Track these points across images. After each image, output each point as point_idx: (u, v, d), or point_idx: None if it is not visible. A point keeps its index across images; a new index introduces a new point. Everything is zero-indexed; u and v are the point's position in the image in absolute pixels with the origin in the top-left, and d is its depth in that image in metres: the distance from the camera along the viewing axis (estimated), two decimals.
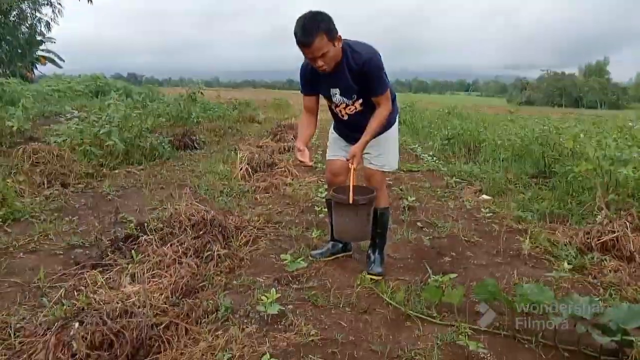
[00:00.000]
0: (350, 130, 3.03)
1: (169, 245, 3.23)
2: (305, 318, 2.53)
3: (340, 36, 2.68)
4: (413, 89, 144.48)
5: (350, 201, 2.89)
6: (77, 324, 2.04)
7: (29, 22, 29.63)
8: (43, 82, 19.26)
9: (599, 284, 3.09)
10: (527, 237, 3.81)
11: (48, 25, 30.39)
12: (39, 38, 31.23)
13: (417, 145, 9.70)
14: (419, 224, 4.36)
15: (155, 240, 3.31)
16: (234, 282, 2.99)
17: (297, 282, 3.00)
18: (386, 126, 3.01)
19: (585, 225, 3.98)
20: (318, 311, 2.63)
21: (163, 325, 2.34)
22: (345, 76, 2.81)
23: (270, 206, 4.85)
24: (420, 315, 2.56)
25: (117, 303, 2.42)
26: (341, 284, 2.99)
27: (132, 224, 3.67)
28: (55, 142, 6.52)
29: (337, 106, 3.00)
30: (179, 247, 3.22)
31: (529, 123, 9.16)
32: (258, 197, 5.23)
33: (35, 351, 1.97)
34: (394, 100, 3.08)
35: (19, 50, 28.94)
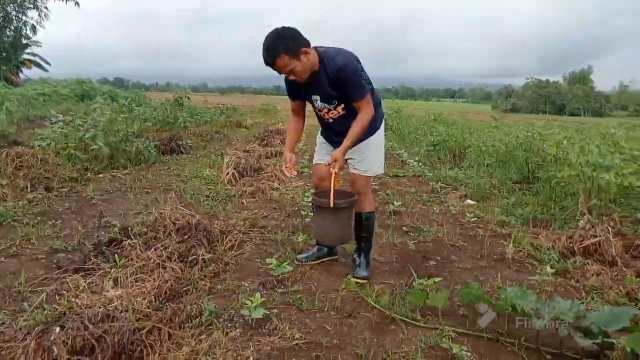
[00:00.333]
0: (335, 134, 3.04)
1: (153, 249, 3.20)
2: (290, 322, 2.52)
3: (306, 50, 2.72)
4: (400, 96, 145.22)
5: (331, 205, 2.93)
6: (57, 329, 2.01)
7: (14, 25, 29.33)
8: (28, 86, 19.04)
9: (581, 287, 3.13)
10: (511, 242, 3.84)
11: (34, 28, 30.13)
12: (24, 41, 30.91)
13: (403, 151, 9.75)
14: (404, 228, 4.38)
15: (139, 244, 3.29)
16: (219, 286, 2.97)
17: (282, 286, 2.99)
18: (370, 131, 3.03)
19: (568, 230, 4.03)
20: (303, 315, 2.62)
21: (146, 330, 2.31)
22: (323, 83, 2.85)
23: (257, 210, 4.84)
24: (405, 319, 2.57)
25: (99, 307, 2.40)
26: (326, 288, 2.99)
27: (116, 228, 3.63)
28: (39, 146, 6.46)
29: (320, 110, 3.05)
30: (163, 252, 3.19)
31: (513, 130, 9.25)
32: (244, 202, 5.21)
33: (15, 356, 1.93)
34: (378, 105, 3.11)
35: (4, 54, 28.62)
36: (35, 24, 29.94)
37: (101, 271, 2.95)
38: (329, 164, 2.96)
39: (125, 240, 3.36)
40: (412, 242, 3.96)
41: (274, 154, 8.52)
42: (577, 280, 3.24)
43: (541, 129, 8.16)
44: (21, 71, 33.02)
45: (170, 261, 3.12)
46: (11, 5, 28.46)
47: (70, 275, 2.90)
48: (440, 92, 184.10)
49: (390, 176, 7.06)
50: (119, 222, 4.09)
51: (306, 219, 4.46)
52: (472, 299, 2.47)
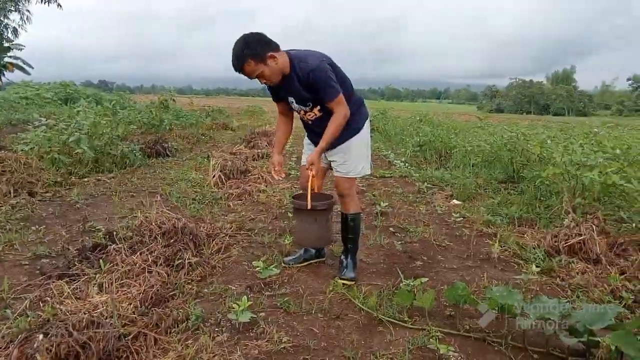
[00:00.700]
0: (316, 136, 3.05)
1: (138, 254, 3.17)
2: (277, 325, 2.51)
3: (272, 55, 2.76)
4: (385, 97, 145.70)
5: (308, 207, 2.95)
6: (41, 336, 1.98)
7: None
8: (10, 90, 18.78)
9: (566, 286, 3.16)
10: (497, 241, 3.87)
11: (15, 31, 29.77)
12: (5, 44, 30.50)
13: (389, 152, 9.78)
14: (391, 229, 4.39)
15: (124, 249, 3.25)
16: (205, 290, 2.95)
17: (269, 289, 2.98)
18: (351, 132, 3.04)
19: (553, 229, 4.07)
20: (290, 318, 2.61)
21: (131, 336, 2.29)
22: (295, 86, 2.88)
23: (243, 213, 4.82)
24: (392, 320, 2.57)
25: (84, 314, 2.37)
26: (314, 290, 2.98)
27: (100, 233, 3.59)
28: (22, 150, 6.37)
29: (298, 112, 3.09)
30: (149, 256, 3.16)
31: (498, 130, 9.34)
32: (231, 204, 5.19)
33: None
34: (361, 105, 3.12)
35: None
36: (17, 27, 29.61)
37: (86, 277, 2.92)
38: (307, 168, 2.98)
39: (110, 245, 3.33)
40: (399, 242, 3.97)
41: (260, 155, 8.49)
42: (562, 278, 3.27)
43: (525, 129, 8.25)
44: (3, 75, 32.58)
45: (156, 265, 3.09)
46: None
47: (54, 282, 2.86)
48: (426, 93, 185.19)
49: (377, 177, 7.08)
50: (103, 226, 4.06)
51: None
52: (458, 299, 2.49)
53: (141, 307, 2.63)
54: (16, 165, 5.79)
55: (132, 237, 3.49)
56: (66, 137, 6.70)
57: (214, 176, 6.22)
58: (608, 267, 3.38)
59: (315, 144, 3.12)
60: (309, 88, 2.84)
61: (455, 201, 5.56)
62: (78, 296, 2.68)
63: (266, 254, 3.59)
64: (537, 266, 3.31)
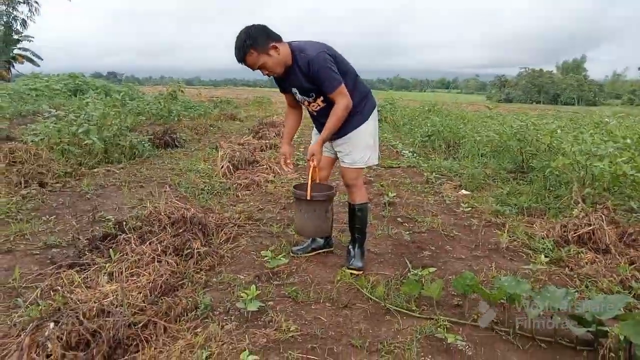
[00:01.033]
0: (322, 126, 3.04)
1: (147, 243, 3.20)
2: (286, 314, 2.52)
3: (274, 45, 2.78)
4: (394, 87, 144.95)
5: (308, 197, 2.97)
6: (52, 324, 2.01)
7: (4, 20, 29.09)
8: (20, 81, 18.88)
9: (575, 275, 3.14)
10: (505, 231, 3.86)
11: (24, 23, 29.91)
12: (15, 37, 30.65)
13: (397, 142, 9.74)
14: (399, 219, 4.38)
15: (134, 238, 3.28)
16: (214, 279, 2.97)
17: (277, 279, 3.00)
18: (357, 123, 3.03)
19: (562, 219, 4.05)
20: (298, 307, 2.63)
21: (141, 324, 2.32)
22: (297, 77, 2.89)
23: (252, 203, 4.83)
24: (400, 309, 2.58)
25: (94, 302, 2.39)
26: (322, 280, 2.99)
27: (110, 223, 3.62)
28: (32, 141, 6.42)
29: (302, 103, 3.10)
30: (158, 246, 3.19)
31: (507, 119, 9.27)
32: (239, 195, 5.20)
33: (9, 353, 1.93)
34: (367, 95, 3.11)
35: None
36: (26, 19, 29.75)
37: (96, 266, 2.94)
38: (308, 159, 3.00)
39: (120, 234, 3.35)
40: (407, 232, 3.97)
41: (268, 146, 8.50)
42: (571, 268, 3.25)
43: (535, 119, 8.18)
44: (13, 66, 32.78)
45: (166, 255, 3.12)
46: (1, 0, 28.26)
47: (64, 271, 2.89)
48: (435, 83, 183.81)
49: (384, 167, 7.06)
50: (113, 216, 4.09)
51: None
52: (466, 289, 2.48)
53: (151, 295, 2.66)
54: (26, 157, 5.84)
55: (142, 227, 3.52)
56: (75, 128, 6.74)
57: (222, 167, 6.24)
58: (617, 257, 3.36)
59: None
60: (310, 79, 2.84)
61: (463, 191, 5.54)
62: (88, 285, 2.71)
63: (274, 244, 3.61)
64: (546, 256, 3.31)
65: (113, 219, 3.87)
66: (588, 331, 2.19)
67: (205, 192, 5.20)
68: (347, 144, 3.08)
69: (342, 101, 2.85)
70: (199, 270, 3.08)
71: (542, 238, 3.77)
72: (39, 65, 34.17)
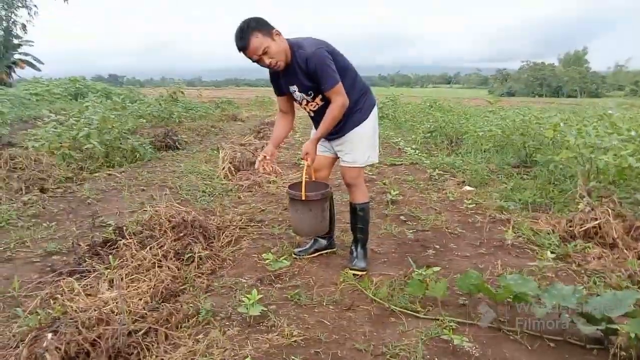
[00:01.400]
0: None
1: (148, 248, 3.16)
2: (288, 318, 2.48)
3: (277, 31, 2.74)
4: (395, 84, 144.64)
5: (303, 197, 2.92)
6: (50, 335, 1.97)
7: (4, 25, 29.12)
8: (21, 86, 18.91)
9: (582, 271, 3.10)
10: (510, 227, 3.81)
11: (24, 27, 29.94)
12: (15, 41, 30.69)
13: (399, 139, 9.68)
14: (402, 217, 4.34)
15: (134, 244, 3.24)
16: (216, 283, 2.93)
17: (280, 282, 2.96)
18: (357, 121, 2.99)
19: (568, 214, 4.00)
20: (301, 310, 2.58)
21: (142, 332, 2.27)
22: (296, 74, 2.84)
23: (254, 204, 4.79)
24: (405, 310, 2.54)
25: (94, 310, 2.36)
26: (325, 281, 2.95)
27: (110, 228, 3.58)
28: (33, 146, 6.39)
29: (300, 103, 3.02)
30: (159, 250, 3.15)
31: (510, 114, 9.20)
32: (241, 196, 5.17)
33: None
34: (367, 93, 3.06)
35: None
36: (26, 23, 29.79)
37: (96, 273, 2.91)
38: (302, 157, 2.95)
39: (120, 240, 3.32)
40: (411, 231, 3.92)
41: None
42: (578, 264, 3.21)
43: (538, 112, 8.11)
44: (14, 71, 32.83)
45: (166, 260, 3.08)
46: (1, 4, 28.32)
47: (64, 278, 2.85)
48: (436, 78, 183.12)
49: (387, 165, 7.01)
50: (114, 221, 4.05)
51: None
52: (471, 288, 2.43)
53: (151, 302, 2.62)
54: (27, 162, 5.81)
55: (142, 231, 3.48)
56: (76, 132, 6.72)
57: (223, 168, 6.21)
58: (625, 251, 3.31)
59: None
60: (309, 76, 2.79)
61: (467, 187, 5.49)
62: (88, 293, 2.67)
63: (276, 246, 3.57)
64: (552, 252, 3.25)
65: (113, 224, 3.83)
66: (598, 329, 2.15)
67: (206, 195, 5.17)
68: (347, 143, 3.04)
69: (339, 100, 2.80)
70: (200, 275, 3.04)
71: (548, 233, 3.72)
72: (40, 70, 34.24)
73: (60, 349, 1.94)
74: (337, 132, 2.99)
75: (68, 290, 2.69)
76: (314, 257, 3.34)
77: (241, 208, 4.64)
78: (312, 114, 3.05)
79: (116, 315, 2.34)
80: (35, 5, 29.21)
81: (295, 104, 3.14)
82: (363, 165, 3.12)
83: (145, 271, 2.92)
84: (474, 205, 4.67)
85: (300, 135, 10.01)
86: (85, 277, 2.90)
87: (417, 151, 8.10)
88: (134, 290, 2.73)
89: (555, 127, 5.64)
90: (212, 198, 5.03)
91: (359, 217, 3.16)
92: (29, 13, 29.28)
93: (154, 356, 2.12)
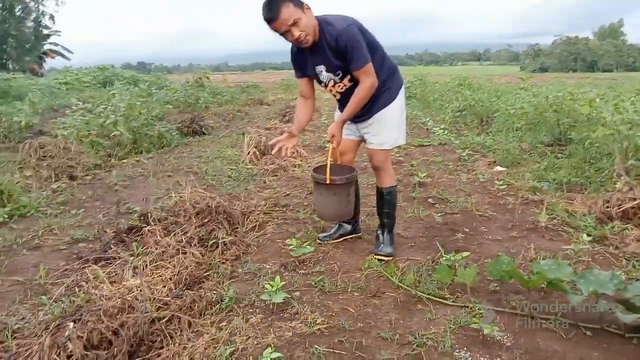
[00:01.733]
0: None
1: (172, 235, 3.16)
2: (312, 305, 2.43)
3: (308, 5, 2.62)
4: (424, 62, 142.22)
5: (327, 181, 2.83)
6: (71, 324, 1.96)
7: (33, 16, 29.68)
8: (51, 76, 19.28)
9: (620, 255, 2.95)
10: (544, 209, 3.66)
11: (52, 18, 30.45)
12: (45, 32, 31.27)
13: (428, 119, 9.47)
14: (430, 200, 4.22)
15: (159, 230, 3.24)
16: (240, 269, 2.90)
17: (304, 267, 2.90)
18: (384, 102, 2.87)
19: (605, 194, 3.82)
20: (325, 297, 2.53)
21: (165, 319, 2.26)
22: (325, 52, 2.71)
23: (278, 189, 4.75)
24: (432, 297, 2.45)
25: (118, 298, 2.36)
26: (350, 267, 2.89)
27: (135, 215, 3.59)
28: (62, 135, 6.48)
29: (326, 85, 2.89)
30: (183, 237, 3.14)
31: (542, 90, 8.87)
32: (266, 181, 5.13)
33: (31, 353, 1.90)
34: (395, 72, 2.93)
35: (27, 45, 29.00)
36: (54, 13, 30.31)
37: (121, 260, 2.91)
38: (328, 140, 2.85)
39: (145, 226, 3.32)
40: (439, 214, 3.80)
41: None
42: (616, 247, 3.05)
43: (572, 88, 7.80)
44: (45, 62, 33.53)
45: (190, 246, 3.07)
46: None
47: (90, 266, 2.87)
48: (465, 56, 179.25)
49: (414, 146, 6.86)
50: (140, 207, 4.06)
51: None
52: (502, 274, 2.32)
53: (175, 289, 2.61)
54: (56, 150, 5.89)
55: (167, 217, 3.47)
56: (103, 119, 6.78)
57: (248, 153, 6.17)
58: None
59: None
60: (339, 54, 2.66)
61: (498, 168, 5.32)
62: (113, 280, 2.68)
63: (301, 231, 3.52)
64: (588, 235, 3.10)
65: (139, 211, 3.84)
66: (638, 317, 2.03)
67: (232, 179, 5.16)
68: (375, 125, 2.92)
69: (368, 80, 2.68)
70: (224, 261, 3.01)
71: (584, 215, 3.56)
72: (69, 59, 34.88)
73: (82, 338, 1.93)
74: (363, 113, 2.87)
75: (93, 278, 2.70)
76: (338, 242, 3.27)
77: (266, 192, 4.60)
78: (339, 96, 2.93)
79: (140, 302, 2.33)
80: None
81: (318, 87, 3.03)
82: (390, 148, 3.01)
83: (169, 258, 2.91)
84: (506, 186, 4.51)
85: (326, 117, 9.90)
86: (110, 264, 2.92)
87: (445, 131, 7.91)
88: (158, 277, 2.72)
89: (591, 103, 5.40)
90: (237, 183, 5.01)
91: (385, 201, 3.06)
92: (56, 3, 29.75)
93: (176, 344, 2.10)
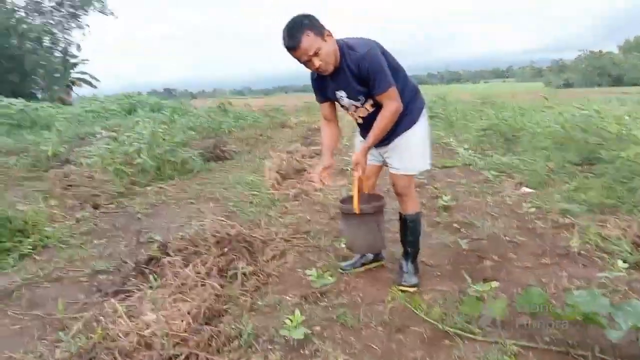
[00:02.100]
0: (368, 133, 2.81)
1: (191, 266, 3.11)
2: (333, 341, 2.33)
3: (329, 32, 2.55)
4: (445, 80, 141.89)
5: (356, 211, 2.75)
6: None
7: (61, 46, 30.64)
8: (78, 104, 19.79)
9: None
10: (575, 233, 3.50)
11: (78, 47, 31.40)
12: (72, 61, 32.21)
13: (451, 139, 9.34)
14: (455, 224, 4.09)
15: (178, 261, 3.20)
16: (259, 302, 2.82)
17: (325, 299, 2.81)
18: (407, 125, 2.78)
19: (639, 215, 3.64)
20: (347, 332, 2.43)
21: (183, 356, 2.20)
22: (347, 77, 2.64)
23: (300, 215, 4.68)
24: (460, 332, 2.33)
25: (135, 334, 2.31)
26: (373, 299, 2.78)
27: (155, 245, 3.55)
28: (86, 163, 6.57)
29: (348, 110, 2.83)
30: (202, 268, 3.09)
31: (568, 108, 8.67)
32: (287, 206, 5.07)
33: None
34: (416, 94, 2.86)
35: (56, 75, 29.88)
36: (79, 43, 31.28)
37: (140, 293, 2.87)
38: (352, 168, 2.77)
39: (164, 257, 3.28)
40: (465, 240, 3.66)
41: (317, 152, 8.37)
42: None
43: (598, 105, 7.61)
44: (72, 90, 34.49)
45: (209, 277, 3.01)
46: (57, 26, 29.84)
47: (109, 299, 2.83)
48: (488, 73, 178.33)
49: (438, 167, 6.74)
50: (161, 236, 4.03)
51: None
52: (534, 307, 2.20)
53: (193, 323, 2.54)
54: (80, 179, 5.97)
55: (187, 247, 3.44)
56: (127, 147, 6.86)
57: (270, 177, 6.15)
58: None
59: None
60: (361, 79, 2.60)
61: (525, 189, 5.17)
62: (131, 314, 2.63)
63: (322, 259, 3.43)
64: (623, 261, 2.94)
65: (160, 240, 3.81)
66: None
67: (253, 205, 5.11)
68: (397, 149, 2.84)
69: (392, 105, 2.61)
70: (244, 292, 2.94)
71: (618, 239, 3.39)
72: (96, 87, 35.84)
73: None
74: (385, 138, 2.78)
75: (112, 312, 2.65)
76: (361, 271, 3.17)
77: (287, 219, 4.54)
78: (360, 120, 2.86)
79: (157, 338, 2.28)
80: (87, 25, 30.59)
81: (340, 108, 2.97)
82: (415, 173, 2.92)
83: (188, 290, 2.86)
84: (534, 209, 4.35)
85: (347, 139, 9.85)
86: (129, 297, 2.88)
87: (470, 151, 7.76)
88: (176, 310, 2.66)
89: (620, 121, 5.23)
90: (258, 209, 4.96)
91: (409, 228, 2.96)
92: (83, 33, 30.71)
93: None
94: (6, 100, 12.63)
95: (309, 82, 2.97)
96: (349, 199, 2.88)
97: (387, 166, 2.96)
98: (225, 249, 3.38)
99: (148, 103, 18.72)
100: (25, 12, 29.09)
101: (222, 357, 2.24)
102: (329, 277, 2.91)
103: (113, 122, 13.96)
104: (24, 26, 25.87)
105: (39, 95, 28.15)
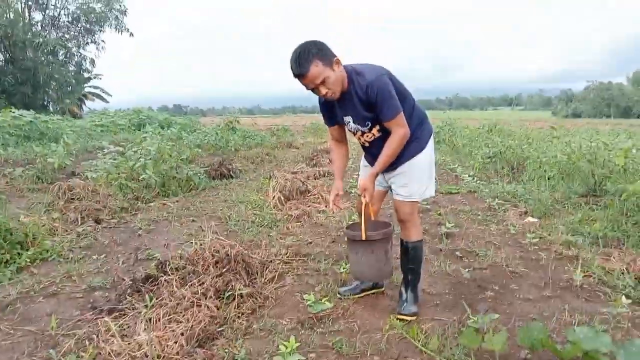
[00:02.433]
0: (374, 157, 2.79)
1: (188, 286, 3.07)
2: None
3: (338, 60, 2.55)
4: (453, 106, 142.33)
5: (363, 237, 2.71)
6: None
7: (75, 60, 31.04)
8: (87, 118, 19.98)
9: None
10: (579, 265, 3.45)
11: (93, 62, 31.80)
12: (86, 75, 32.60)
13: (456, 165, 9.32)
14: (457, 253, 4.04)
15: (175, 280, 3.16)
16: (255, 325, 2.77)
17: (321, 325, 2.76)
18: (413, 152, 2.77)
19: None
20: None
21: None
22: (354, 103, 2.64)
23: (301, 236, 4.65)
24: None
25: (127, 354, 2.27)
26: (370, 327, 2.73)
27: (153, 263, 3.53)
28: (91, 177, 6.58)
29: (354, 134, 2.82)
30: (199, 288, 3.05)
31: (576, 138, 8.65)
32: (289, 227, 5.05)
33: None
34: (424, 120, 2.85)
35: (69, 88, 30.23)
36: (94, 58, 31.67)
37: (134, 311, 2.84)
38: (359, 194, 2.75)
39: (162, 276, 3.25)
40: (467, 269, 3.61)
41: (321, 174, 8.37)
42: None
43: (606, 137, 7.58)
44: (84, 103, 34.84)
45: (206, 298, 2.97)
46: (72, 41, 30.28)
47: (103, 317, 2.80)
48: (496, 100, 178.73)
49: (442, 193, 6.70)
50: (160, 254, 4.02)
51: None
52: (534, 342, 2.15)
53: (187, 345, 2.50)
54: (84, 193, 5.96)
55: (185, 266, 3.40)
56: (133, 163, 6.88)
57: (273, 197, 6.13)
58: None
59: None
60: (368, 105, 2.60)
61: (530, 218, 5.12)
62: (124, 334, 2.59)
63: (321, 283, 3.38)
64: (627, 296, 2.88)
65: (158, 258, 3.79)
66: None
67: (255, 225, 5.08)
68: (402, 175, 2.82)
69: (399, 131, 2.60)
70: (240, 315, 2.91)
71: (622, 273, 3.33)
72: (108, 102, 36.18)
73: None
74: (392, 163, 2.77)
75: (104, 331, 2.62)
76: (360, 297, 3.13)
77: (288, 240, 4.50)
78: (367, 144, 2.85)
79: None
80: (102, 41, 31.02)
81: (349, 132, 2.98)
82: (419, 200, 2.89)
83: (184, 310, 2.82)
84: (538, 239, 4.29)
85: (352, 162, 9.84)
86: (124, 315, 2.84)
87: (475, 178, 7.73)
88: (170, 331, 2.62)
89: (627, 154, 5.20)
90: (260, 229, 4.93)
91: (410, 256, 2.91)
92: (97, 48, 31.12)
93: None
94: (17, 112, 12.73)
95: (316, 103, 2.97)
96: (355, 225, 2.85)
97: (392, 191, 2.94)
98: (224, 269, 3.34)
99: (157, 119, 18.87)
100: (42, 26, 29.59)
101: None
102: (327, 303, 2.86)
103: (121, 136, 14.07)
104: (40, 40, 26.24)
105: (51, 108, 28.43)
